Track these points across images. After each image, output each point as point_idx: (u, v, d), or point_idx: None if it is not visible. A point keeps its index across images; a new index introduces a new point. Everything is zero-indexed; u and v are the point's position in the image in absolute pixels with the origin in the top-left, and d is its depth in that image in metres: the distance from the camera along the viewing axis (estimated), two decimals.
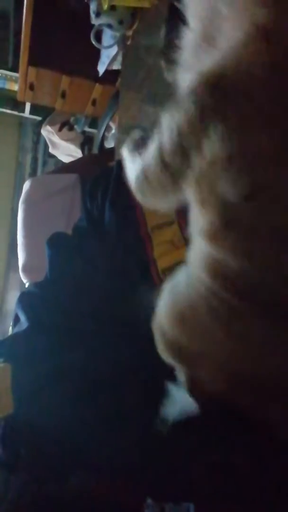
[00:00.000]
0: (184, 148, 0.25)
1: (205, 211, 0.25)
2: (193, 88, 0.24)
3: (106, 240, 0.55)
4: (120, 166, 0.60)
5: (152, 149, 0.28)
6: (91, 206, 0.61)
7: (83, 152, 2.07)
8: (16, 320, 0.56)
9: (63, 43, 1.51)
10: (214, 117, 0.22)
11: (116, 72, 1.55)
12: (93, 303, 0.52)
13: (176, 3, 0.29)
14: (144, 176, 0.29)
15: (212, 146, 0.23)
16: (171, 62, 0.29)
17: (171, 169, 0.26)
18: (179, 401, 0.34)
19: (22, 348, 0.52)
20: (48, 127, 1.99)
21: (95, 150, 1.86)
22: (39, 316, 0.54)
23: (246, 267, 0.24)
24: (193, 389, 0.33)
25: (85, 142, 2.09)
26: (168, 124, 0.26)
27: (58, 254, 0.61)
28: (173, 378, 0.38)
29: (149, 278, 0.45)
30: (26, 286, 1.91)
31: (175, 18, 0.29)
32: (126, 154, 0.33)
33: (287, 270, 0.24)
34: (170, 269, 0.38)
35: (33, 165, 2.37)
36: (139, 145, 0.30)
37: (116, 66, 1.55)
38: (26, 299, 0.57)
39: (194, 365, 0.32)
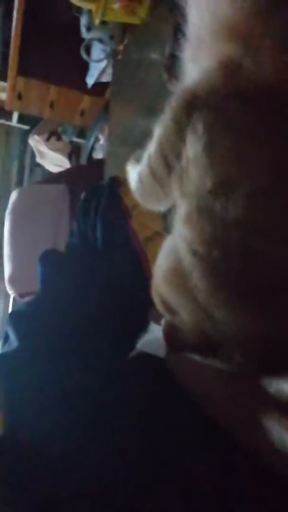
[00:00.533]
0: (166, 157, 0.29)
1: (183, 201, 0.29)
2: (172, 103, 0.29)
3: (100, 259, 0.55)
4: (111, 183, 0.60)
5: (144, 157, 0.32)
6: (84, 224, 0.61)
7: (70, 162, 2.07)
8: (6, 338, 0.55)
9: (52, 54, 1.51)
10: (187, 131, 0.27)
11: (105, 84, 1.56)
12: (85, 322, 0.52)
13: (180, 23, 0.32)
14: (140, 182, 0.34)
15: (188, 153, 0.27)
16: (171, 76, 0.33)
17: (158, 175, 0.31)
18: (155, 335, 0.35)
19: (10, 368, 0.51)
20: (36, 137, 1.99)
21: (82, 161, 1.86)
22: (29, 335, 0.53)
23: (210, 251, 0.28)
24: (168, 335, 0.36)
25: (73, 152, 2.09)
26: (156, 135, 0.30)
27: (50, 272, 0.61)
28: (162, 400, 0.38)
29: (148, 292, 0.46)
30: (12, 297, 1.90)
31: (178, 36, 0.33)
32: (130, 163, 0.37)
33: (248, 257, 0.27)
34: None
35: (20, 174, 2.36)
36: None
37: (106, 78, 1.56)
38: (16, 318, 0.56)
39: (173, 316, 0.35)
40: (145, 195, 0.34)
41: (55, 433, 0.41)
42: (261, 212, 0.25)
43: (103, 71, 1.50)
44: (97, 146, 1.89)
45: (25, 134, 2.21)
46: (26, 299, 1.58)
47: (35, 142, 2.01)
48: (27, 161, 2.39)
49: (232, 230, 0.26)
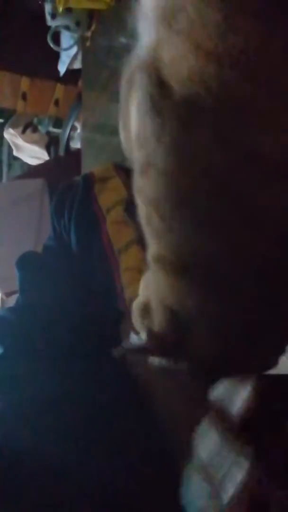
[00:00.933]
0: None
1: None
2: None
3: (74, 264, 0.53)
4: (85, 181, 0.58)
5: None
6: (58, 225, 0.59)
7: (49, 153, 2.02)
8: None
9: (20, 44, 1.46)
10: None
11: (78, 71, 1.51)
12: (66, 326, 0.51)
13: None
14: None
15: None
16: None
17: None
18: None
19: None
20: (11, 130, 1.93)
21: (60, 151, 1.82)
22: (13, 341, 0.52)
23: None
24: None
25: (51, 143, 2.04)
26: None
27: (28, 276, 0.59)
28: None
29: (117, 304, 0.45)
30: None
31: None
32: None
33: (175, 234, 0.29)
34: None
35: None
36: None
37: (77, 65, 1.51)
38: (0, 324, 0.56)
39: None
40: None
41: (49, 436, 0.40)
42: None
43: (74, 58, 1.45)
44: (74, 135, 1.85)
45: (0, 127, 2.16)
46: (14, 297, 1.56)
47: (10, 135, 1.96)
48: (5, 155, 2.34)
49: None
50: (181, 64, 0.25)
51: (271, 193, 0.26)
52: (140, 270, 0.41)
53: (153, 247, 0.31)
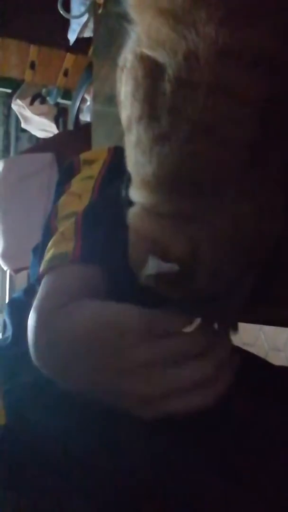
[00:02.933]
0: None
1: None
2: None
3: None
4: (68, 166, 0.57)
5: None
6: None
7: (57, 126, 1.98)
8: (5, 326, 0.56)
9: (28, 11, 1.40)
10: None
11: (89, 39, 1.45)
12: None
13: None
14: None
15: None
16: None
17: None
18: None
19: (6, 356, 0.51)
20: (18, 101, 1.88)
21: (70, 123, 1.77)
22: (22, 322, 0.52)
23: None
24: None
25: (59, 114, 1.99)
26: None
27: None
28: None
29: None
30: (7, 272, 1.87)
31: None
32: None
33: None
34: (51, 260, 0.42)
35: (5, 141, 2.26)
36: None
37: (88, 33, 1.45)
38: (12, 305, 0.57)
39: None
40: None
41: (56, 426, 0.40)
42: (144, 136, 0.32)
43: (85, 25, 1.39)
44: (84, 107, 1.79)
45: (8, 97, 2.10)
46: (23, 273, 1.56)
47: (18, 107, 1.91)
48: (12, 127, 2.29)
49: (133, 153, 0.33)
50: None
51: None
52: (63, 235, 0.44)
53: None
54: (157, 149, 0.31)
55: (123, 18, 0.36)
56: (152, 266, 0.32)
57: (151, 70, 0.31)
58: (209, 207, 0.32)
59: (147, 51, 0.32)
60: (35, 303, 0.41)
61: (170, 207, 0.32)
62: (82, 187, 0.49)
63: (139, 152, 0.32)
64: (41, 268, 0.44)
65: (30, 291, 0.57)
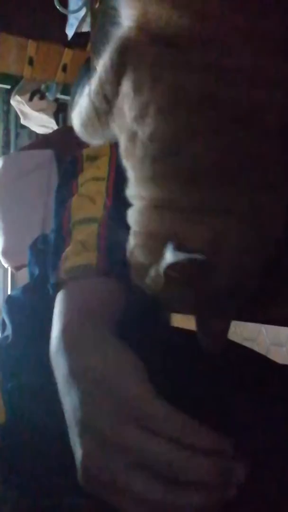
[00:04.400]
0: (105, 95, 0.34)
1: (121, 137, 0.35)
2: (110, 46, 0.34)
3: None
4: (70, 162, 0.56)
5: (86, 93, 0.36)
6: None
7: (57, 121, 1.97)
8: (4, 324, 0.55)
9: (26, 6, 1.39)
10: (121, 71, 0.33)
11: (87, 34, 1.44)
12: None
13: None
14: (83, 115, 0.37)
15: (122, 90, 0.33)
16: None
17: (99, 110, 0.35)
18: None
19: (6, 356, 0.50)
20: (18, 97, 1.87)
21: (70, 118, 1.77)
22: (23, 322, 0.53)
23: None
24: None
25: (59, 110, 1.98)
26: (97, 73, 0.35)
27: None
28: None
29: (56, 273, 0.45)
30: (9, 270, 1.87)
31: None
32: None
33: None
34: (72, 270, 0.42)
35: (5, 138, 2.25)
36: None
37: (86, 28, 1.44)
38: (11, 303, 0.56)
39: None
40: (88, 127, 0.38)
41: (55, 425, 0.39)
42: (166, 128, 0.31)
43: (83, 20, 1.38)
44: None
45: (7, 93, 2.09)
46: (24, 270, 1.56)
47: (17, 103, 1.90)
48: (12, 124, 2.28)
49: (149, 147, 0.32)
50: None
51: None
52: (84, 245, 0.44)
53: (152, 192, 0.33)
54: (183, 142, 0.31)
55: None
56: (172, 256, 0.30)
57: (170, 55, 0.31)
58: (234, 197, 0.31)
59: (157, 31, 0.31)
60: (60, 311, 0.41)
61: (190, 199, 0.32)
62: (94, 190, 0.48)
63: (156, 146, 0.32)
64: (60, 275, 0.43)
65: (29, 290, 0.57)
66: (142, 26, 0.32)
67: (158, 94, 0.31)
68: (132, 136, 0.33)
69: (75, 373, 0.35)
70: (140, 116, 0.32)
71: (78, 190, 0.50)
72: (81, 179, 0.51)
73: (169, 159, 0.31)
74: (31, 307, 0.54)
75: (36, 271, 0.55)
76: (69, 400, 0.35)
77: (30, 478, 0.41)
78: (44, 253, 0.55)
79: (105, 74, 0.34)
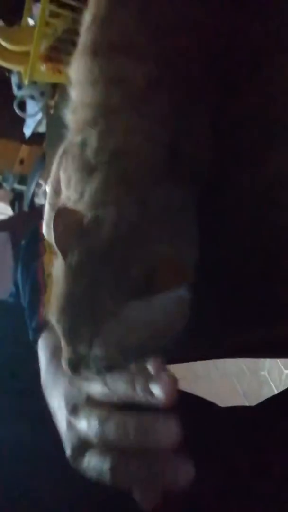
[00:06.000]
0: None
1: None
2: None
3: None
4: (35, 228, 0.63)
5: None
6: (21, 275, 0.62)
7: (13, 209, 2.07)
8: None
9: None
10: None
11: (42, 134, 1.61)
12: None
13: None
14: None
15: None
16: None
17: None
18: None
19: None
20: None
21: (25, 207, 1.87)
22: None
23: None
24: None
25: (15, 199, 2.10)
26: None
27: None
28: None
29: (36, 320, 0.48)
30: None
31: None
32: None
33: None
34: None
35: None
36: None
37: (42, 129, 1.61)
38: None
39: None
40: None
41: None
42: None
43: (39, 123, 1.55)
44: (39, 192, 1.91)
45: None
46: None
47: None
48: None
49: None
50: None
51: None
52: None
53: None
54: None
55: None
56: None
57: None
58: None
59: None
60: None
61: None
62: None
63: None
64: (40, 321, 0.47)
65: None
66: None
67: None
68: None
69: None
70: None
71: (47, 250, 0.56)
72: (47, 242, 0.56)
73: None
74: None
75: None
76: None
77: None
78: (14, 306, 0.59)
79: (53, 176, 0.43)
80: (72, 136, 0.41)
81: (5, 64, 0.99)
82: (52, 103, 1.17)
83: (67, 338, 0.33)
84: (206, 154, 0.37)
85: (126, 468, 0.33)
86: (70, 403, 0.37)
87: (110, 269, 0.32)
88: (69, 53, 0.88)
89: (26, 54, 0.93)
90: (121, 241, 0.33)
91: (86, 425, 0.34)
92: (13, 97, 1.21)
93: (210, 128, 0.37)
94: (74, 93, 0.42)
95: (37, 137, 1.62)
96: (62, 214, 0.35)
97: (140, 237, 0.34)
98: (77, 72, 0.42)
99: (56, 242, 0.35)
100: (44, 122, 1.49)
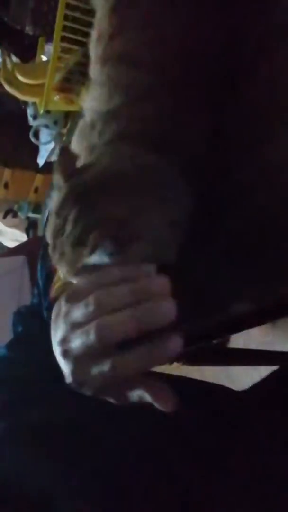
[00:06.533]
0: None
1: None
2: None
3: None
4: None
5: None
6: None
7: (28, 236, 2.15)
8: None
9: (4, 140, 1.64)
10: None
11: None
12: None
13: None
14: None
15: None
16: None
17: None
18: None
19: None
20: None
21: (39, 233, 1.95)
22: (7, 379, 0.55)
23: None
24: None
25: (30, 226, 2.18)
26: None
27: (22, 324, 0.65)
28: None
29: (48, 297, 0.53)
30: None
31: None
32: None
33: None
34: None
35: None
36: None
37: (55, 157, 1.70)
38: None
39: None
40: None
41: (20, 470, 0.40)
42: None
43: (52, 152, 1.64)
44: None
45: None
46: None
47: None
48: None
49: None
50: None
51: None
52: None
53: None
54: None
55: None
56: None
57: None
58: None
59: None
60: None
61: None
62: None
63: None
64: (52, 295, 0.52)
65: (13, 344, 0.60)
66: None
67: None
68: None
69: None
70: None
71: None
72: None
73: None
74: (16, 361, 0.56)
75: (20, 328, 0.61)
76: None
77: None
78: (26, 313, 0.64)
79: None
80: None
81: (22, 97, 1.08)
82: (64, 131, 1.25)
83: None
84: (199, 145, 0.42)
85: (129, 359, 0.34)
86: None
87: (78, 210, 0.38)
88: (80, 83, 0.96)
89: (41, 86, 1.02)
90: (91, 192, 0.39)
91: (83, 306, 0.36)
92: (28, 128, 1.30)
93: (208, 122, 0.41)
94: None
95: (50, 165, 1.71)
96: (63, 153, 0.43)
97: (106, 194, 0.39)
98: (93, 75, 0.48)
99: (56, 178, 0.42)
100: (56, 152, 1.58)
